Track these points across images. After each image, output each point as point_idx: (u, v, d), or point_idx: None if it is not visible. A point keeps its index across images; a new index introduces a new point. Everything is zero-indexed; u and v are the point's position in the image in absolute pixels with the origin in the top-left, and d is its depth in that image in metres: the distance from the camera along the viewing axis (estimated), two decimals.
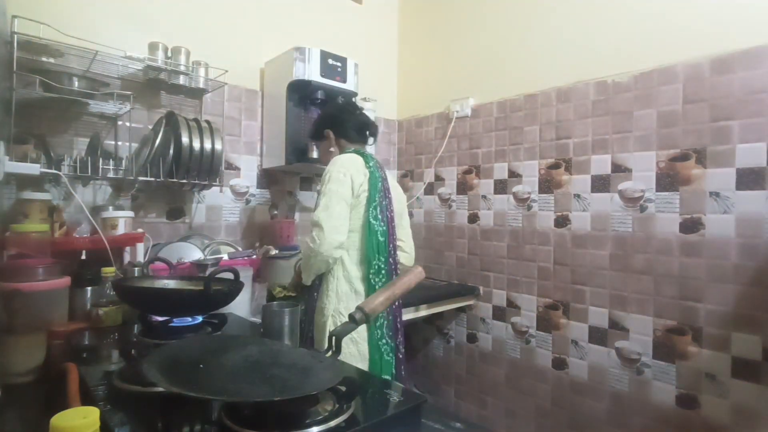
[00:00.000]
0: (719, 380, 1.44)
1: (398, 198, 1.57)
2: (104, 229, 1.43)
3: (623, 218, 1.67)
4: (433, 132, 2.43)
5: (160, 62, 1.59)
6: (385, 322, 1.36)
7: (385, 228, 1.37)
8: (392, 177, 1.70)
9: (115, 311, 1.13)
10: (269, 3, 2.07)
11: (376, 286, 1.32)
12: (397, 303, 1.39)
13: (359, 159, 1.42)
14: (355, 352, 1.35)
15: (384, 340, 1.35)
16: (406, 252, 1.61)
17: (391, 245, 1.38)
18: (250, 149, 2.02)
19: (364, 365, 1.33)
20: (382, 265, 1.35)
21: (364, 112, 1.59)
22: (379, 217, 1.36)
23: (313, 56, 1.84)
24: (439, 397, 2.32)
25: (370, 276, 1.34)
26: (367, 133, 1.54)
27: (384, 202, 1.39)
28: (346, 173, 1.34)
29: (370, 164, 1.42)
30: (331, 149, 1.52)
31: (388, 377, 1.34)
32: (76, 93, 1.39)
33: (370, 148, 1.57)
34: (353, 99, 1.72)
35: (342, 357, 1.29)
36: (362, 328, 1.31)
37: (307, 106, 1.94)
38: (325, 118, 1.58)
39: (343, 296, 1.36)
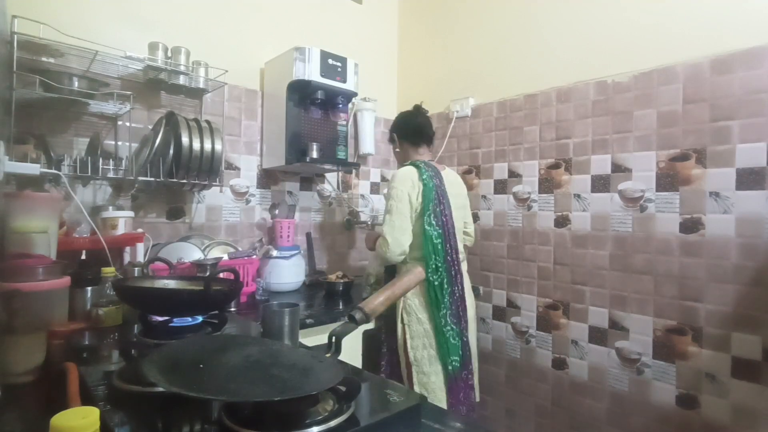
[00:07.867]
0: (719, 380, 1.44)
1: (459, 192, 1.74)
2: (104, 229, 1.43)
3: (623, 218, 1.67)
4: None
5: (160, 62, 1.59)
6: (448, 312, 1.52)
7: (440, 231, 1.54)
8: (454, 174, 1.81)
9: (115, 311, 1.13)
10: (269, 3, 2.07)
11: (435, 283, 1.52)
12: (458, 294, 1.56)
13: (414, 173, 1.59)
14: (421, 330, 1.55)
15: (449, 327, 1.52)
16: (471, 236, 1.84)
17: (447, 245, 1.55)
18: (250, 149, 2.02)
19: (429, 341, 1.53)
20: (440, 264, 1.53)
21: (424, 115, 1.77)
22: (433, 222, 1.54)
23: (313, 56, 1.84)
24: None
25: (429, 274, 1.52)
26: (422, 136, 1.73)
27: (438, 209, 1.56)
28: (403, 190, 1.56)
29: (424, 176, 1.57)
30: (397, 150, 1.80)
31: (456, 358, 1.52)
32: (76, 93, 1.39)
33: (424, 153, 1.75)
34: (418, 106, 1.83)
35: (410, 334, 1.54)
36: (425, 311, 1.55)
37: (307, 106, 1.94)
38: (394, 122, 1.83)
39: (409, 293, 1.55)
